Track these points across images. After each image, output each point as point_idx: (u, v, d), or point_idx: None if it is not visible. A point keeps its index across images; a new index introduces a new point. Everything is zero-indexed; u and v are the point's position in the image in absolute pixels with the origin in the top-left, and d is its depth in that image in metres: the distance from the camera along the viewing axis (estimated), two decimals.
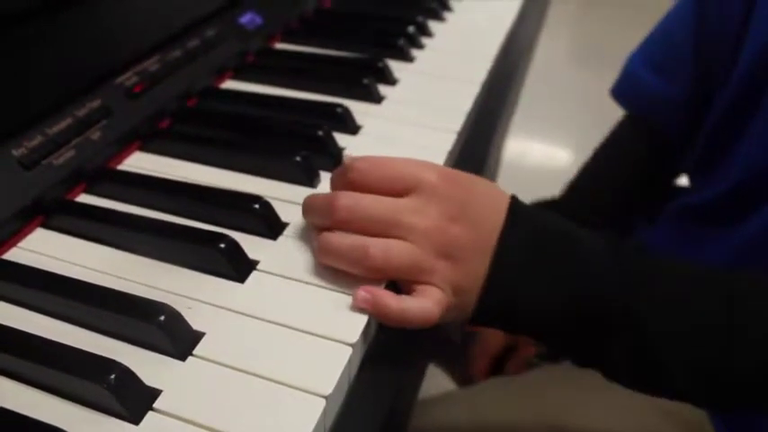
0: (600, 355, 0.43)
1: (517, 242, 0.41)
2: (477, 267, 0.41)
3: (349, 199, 0.40)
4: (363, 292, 0.39)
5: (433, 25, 0.78)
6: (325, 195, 0.42)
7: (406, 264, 0.39)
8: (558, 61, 2.54)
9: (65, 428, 0.32)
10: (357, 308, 0.39)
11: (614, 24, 2.85)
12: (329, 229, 0.41)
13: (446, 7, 0.84)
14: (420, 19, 0.76)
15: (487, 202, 0.42)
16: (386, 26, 0.75)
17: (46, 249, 0.44)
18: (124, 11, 0.56)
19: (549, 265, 0.41)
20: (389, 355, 0.41)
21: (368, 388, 0.38)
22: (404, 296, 0.39)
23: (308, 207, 0.43)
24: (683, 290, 0.43)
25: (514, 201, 0.43)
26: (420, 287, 0.40)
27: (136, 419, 0.33)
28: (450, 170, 0.43)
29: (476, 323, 0.43)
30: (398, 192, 0.41)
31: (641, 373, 0.42)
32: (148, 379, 0.34)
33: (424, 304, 0.39)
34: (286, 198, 0.48)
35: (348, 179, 0.42)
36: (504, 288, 0.41)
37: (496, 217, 0.42)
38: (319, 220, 0.42)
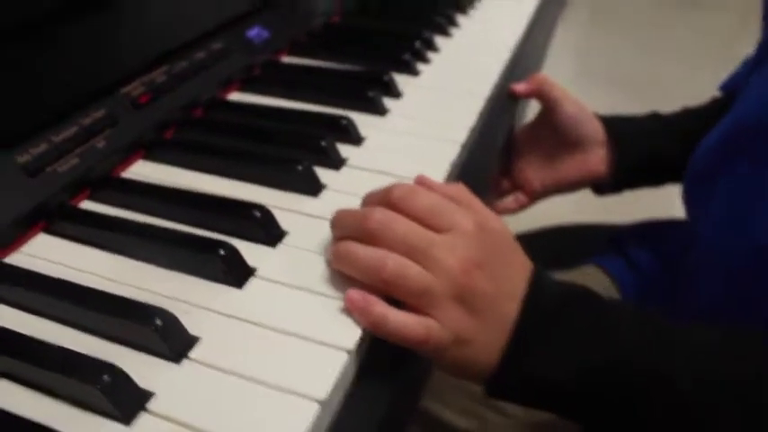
0: (635, 422, 0.42)
1: (539, 319, 0.41)
2: (489, 329, 0.40)
3: (385, 215, 0.40)
4: (355, 294, 0.38)
5: (439, 40, 0.79)
6: (359, 210, 0.43)
7: (419, 288, 0.39)
8: (566, 79, 2.54)
9: (58, 428, 0.32)
10: (346, 307, 0.39)
11: (623, 43, 2.86)
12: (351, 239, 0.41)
13: (453, 23, 0.84)
14: (426, 34, 0.77)
15: (512, 263, 0.42)
16: (392, 41, 0.76)
17: (47, 254, 0.44)
18: (132, 22, 0.57)
19: (573, 339, 0.41)
20: (388, 363, 0.40)
21: (365, 395, 0.38)
22: (395, 309, 0.39)
23: (339, 219, 0.43)
24: (709, 345, 0.42)
25: (537, 271, 0.43)
26: (422, 314, 0.39)
27: (127, 420, 0.33)
28: (485, 220, 0.42)
29: (492, 396, 0.43)
30: (433, 226, 0.41)
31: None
32: (142, 381, 0.34)
33: (409, 322, 0.38)
34: (287, 207, 0.49)
35: (389, 200, 0.41)
36: (527, 367, 0.41)
37: (518, 281, 0.42)
38: (347, 232, 0.42)
